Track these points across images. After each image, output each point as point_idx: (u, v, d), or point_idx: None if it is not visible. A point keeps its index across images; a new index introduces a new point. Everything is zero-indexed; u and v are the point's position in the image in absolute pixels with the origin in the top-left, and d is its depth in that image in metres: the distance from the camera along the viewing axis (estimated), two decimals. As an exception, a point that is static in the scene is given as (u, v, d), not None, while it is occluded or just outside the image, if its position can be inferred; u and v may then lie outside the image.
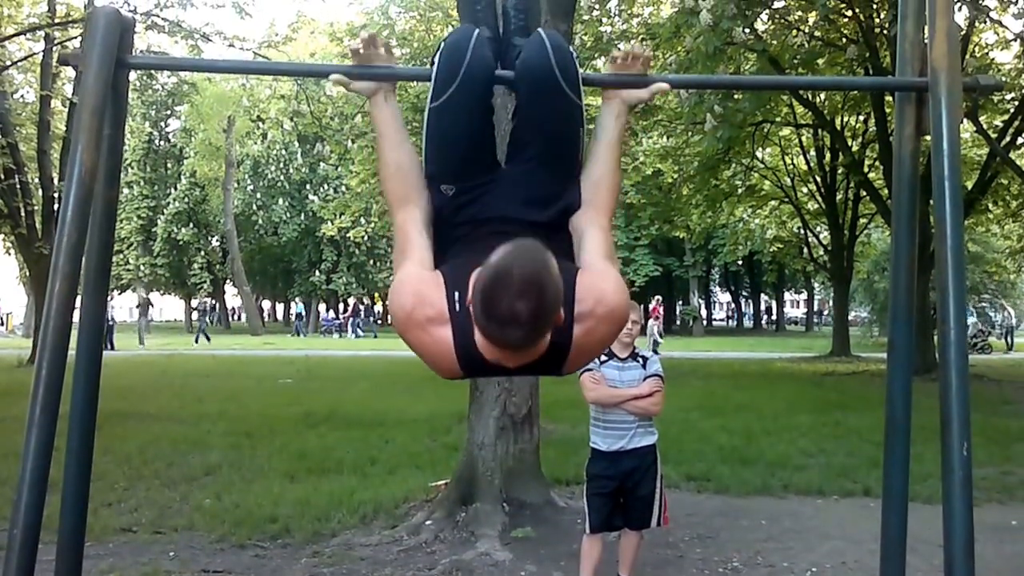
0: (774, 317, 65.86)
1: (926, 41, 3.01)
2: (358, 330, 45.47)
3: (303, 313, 53.29)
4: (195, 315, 41.92)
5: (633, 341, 5.64)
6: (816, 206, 30.78)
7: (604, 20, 21.89)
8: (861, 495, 8.51)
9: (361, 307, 51.24)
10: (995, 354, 28.45)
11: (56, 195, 20.77)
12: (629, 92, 2.89)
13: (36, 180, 22.46)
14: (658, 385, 5.52)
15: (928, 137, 2.94)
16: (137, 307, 40.63)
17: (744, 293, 66.29)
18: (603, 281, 2.49)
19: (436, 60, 2.75)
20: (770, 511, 8.04)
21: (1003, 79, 20.48)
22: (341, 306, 59.67)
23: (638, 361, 5.59)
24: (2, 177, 20.65)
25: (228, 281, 58.25)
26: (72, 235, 2.71)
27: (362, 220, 31.55)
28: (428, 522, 7.16)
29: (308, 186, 53.24)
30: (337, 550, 6.67)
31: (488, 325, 2.22)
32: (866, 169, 25.56)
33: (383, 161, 2.77)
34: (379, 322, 55.81)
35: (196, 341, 36.79)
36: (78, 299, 2.93)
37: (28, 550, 2.64)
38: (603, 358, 5.52)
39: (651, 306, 34.24)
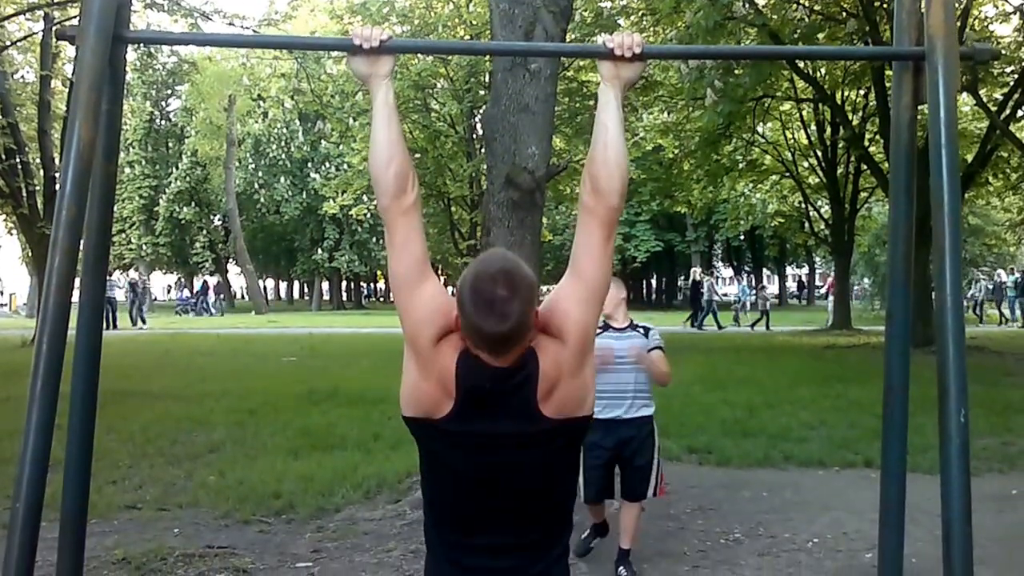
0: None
1: (923, 11, 3.00)
2: (210, 308, 46.50)
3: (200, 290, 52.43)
4: (122, 293, 38.67)
5: (616, 312, 5.65)
6: (817, 180, 30.72)
7: (604, -4, 21.85)
8: (862, 466, 8.55)
9: (210, 286, 51.36)
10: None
11: (57, 175, 20.73)
12: (625, 72, 2.73)
13: (37, 160, 22.39)
14: (663, 358, 5.61)
15: (926, 106, 2.94)
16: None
17: (746, 267, 66.25)
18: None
19: None
20: (771, 483, 8.07)
21: (1003, 52, 20.41)
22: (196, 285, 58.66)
23: (638, 331, 5.66)
24: (3, 157, 20.60)
25: (231, 260, 58.22)
26: (71, 209, 2.71)
27: (364, 198, 31.52)
28: (431, 496, 7.17)
29: (310, 164, 53.11)
30: (341, 525, 6.71)
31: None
32: (867, 143, 25.52)
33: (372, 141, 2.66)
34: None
35: (133, 323, 33.74)
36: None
37: (31, 525, 2.66)
38: (599, 329, 5.53)
39: (829, 282, 33.57)
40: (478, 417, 2.38)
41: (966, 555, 2.62)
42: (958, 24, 18.37)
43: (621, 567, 5.74)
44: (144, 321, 34.18)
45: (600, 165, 2.52)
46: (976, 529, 2.73)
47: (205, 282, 51.84)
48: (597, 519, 6.06)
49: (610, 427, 5.54)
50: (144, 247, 54.76)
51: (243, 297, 65.86)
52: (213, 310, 46.45)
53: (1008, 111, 21.31)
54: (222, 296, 53.22)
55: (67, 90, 22.54)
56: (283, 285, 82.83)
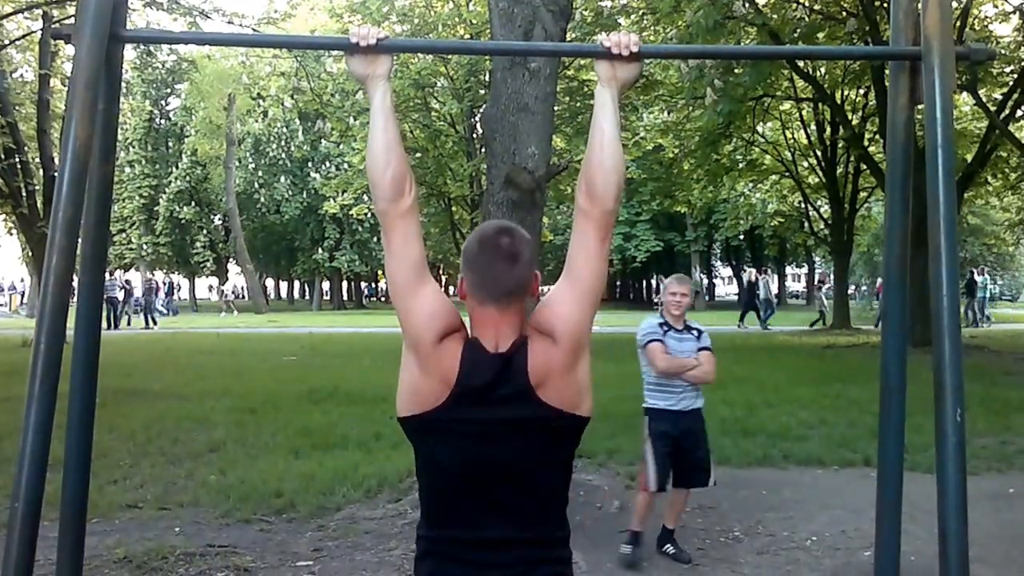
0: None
1: (920, 11, 3.01)
2: (160, 309, 45.24)
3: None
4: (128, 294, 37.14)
5: (683, 313, 6.08)
6: (816, 180, 30.67)
7: (604, -5, 21.84)
8: (861, 465, 8.56)
9: (158, 286, 50.43)
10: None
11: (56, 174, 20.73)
12: (622, 72, 2.72)
13: (36, 160, 22.44)
14: (712, 358, 5.99)
15: (922, 106, 2.94)
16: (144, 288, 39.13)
17: (746, 267, 66.21)
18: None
19: None
20: (771, 481, 8.09)
21: (1002, 52, 20.43)
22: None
23: (692, 333, 6.03)
24: (2, 157, 20.64)
25: (231, 259, 58.19)
26: (68, 210, 2.71)
27: (364, 197, 31.50)
28: (431, 495, 7.17)
29: (310, 164, 53.14)
30: (342, 524, 6.72)
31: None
32: (866, 142, 25.49)
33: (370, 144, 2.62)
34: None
35: (147, 324, 33.71)
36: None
37: (31, 524, 2.65)
38: (664, 329, 5.98)
39: (878, 285, 33.20)
40: (477, 404, 2.39)
41: (961, 552, 2.63)
42: (958, 24, 18.55)
43: (668, 545, 6.11)
44: (155, 321, 34.24)
45: (596, 168, 2.52)
46: (974, 527, 2.74)
47: (155, 282, 51.25)
48: (639, 523, 6.03)
49: (675, 419, 5.94)
50: (144, 247, 54.71)
51: (244, 296, 65.84)
52: (162, 311, 46.02)
53: (1007, 111, 21.34)
54: (174, 297, 52.60)
55: (66, 89, 22.56)
56: (283, 285, 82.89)
